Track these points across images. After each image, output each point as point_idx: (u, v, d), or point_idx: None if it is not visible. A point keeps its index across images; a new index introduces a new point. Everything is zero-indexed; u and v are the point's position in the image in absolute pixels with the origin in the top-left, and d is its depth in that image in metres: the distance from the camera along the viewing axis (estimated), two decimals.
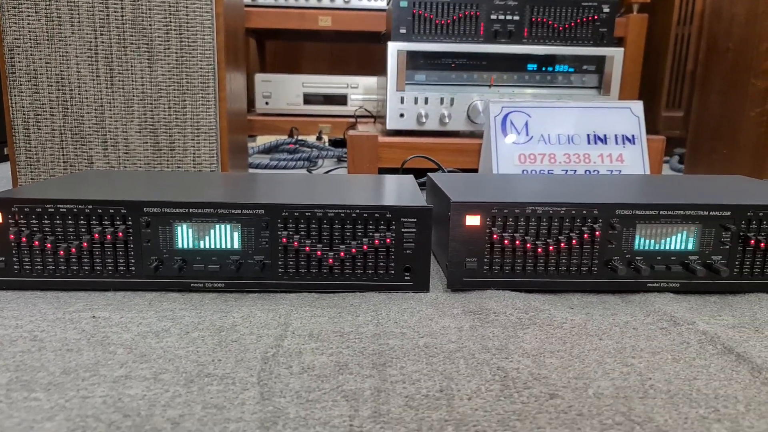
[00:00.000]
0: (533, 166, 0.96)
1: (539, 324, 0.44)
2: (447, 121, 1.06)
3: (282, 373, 0.35)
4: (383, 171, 1.07)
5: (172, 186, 0.55)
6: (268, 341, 0.40)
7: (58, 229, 0.48)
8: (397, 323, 0.44)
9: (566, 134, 0.97)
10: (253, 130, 1.87)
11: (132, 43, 0.92)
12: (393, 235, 0.49)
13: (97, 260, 0.49)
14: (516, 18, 1.04)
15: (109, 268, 0.49)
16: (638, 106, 0.99)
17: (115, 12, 0.91)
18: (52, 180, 0.57)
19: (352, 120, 1.62)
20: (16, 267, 0.48)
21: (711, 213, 0.50)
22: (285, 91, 1.88)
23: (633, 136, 0.98)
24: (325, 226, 0.49)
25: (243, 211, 0.48)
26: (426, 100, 1.05)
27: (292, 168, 1.42)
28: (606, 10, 1.05)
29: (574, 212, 0.50)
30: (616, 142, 0.98)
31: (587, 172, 0.96)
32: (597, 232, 0.50)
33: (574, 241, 0.50)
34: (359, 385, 0.34)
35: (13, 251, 0.48)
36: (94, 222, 0.48)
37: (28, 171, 0.96)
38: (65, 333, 0.40)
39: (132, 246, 0.48)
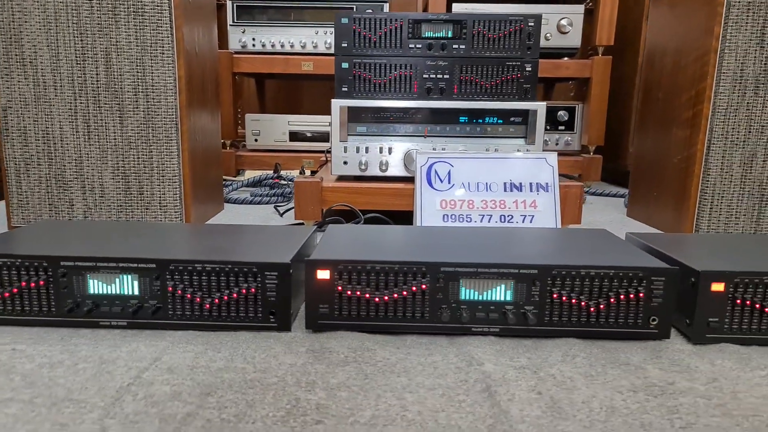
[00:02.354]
0: (453, 211, 1.06)
1: (358, 362, 0.54)
2: (385, 168, 1.16)
3: (126, 399, 0.46)
4: (329, 213, 1.18)
5: (96, 240, 0.67)
6: (133, 373, 0.51)
7: None
8: (245, 359, 0.54)
9: (485, 182, 1.07)
10: (242, 165, 2.00)
11: (106, 104, 1.05)
12: (258, 285, 0.59)
13: (26, 302, 0.60)
14: (446, 77, 1.15)
15: (36, 308, 0.60)
16: (553, 157, 1.08)
17: (91, 77, 1.04)
18: (10, 235, 0.69)
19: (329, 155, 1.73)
20: None
21: (521, 271, 0.59)
22: (272, 129, 2.01)
23: (547, 184, 1.07)
24: (204, 277, 0.60)
25: (139, 265, 0.59)
26: (366, 149, 1.16)
27: (266, 203, 1.53)
28: (528, 68, 1.14)
29: (405, 269, 0.60)
30: (531, 190, 1.07)
31: (502, 218, 1.06)
32: (423, 286, 0.60)
33: (404, 293, 0.60)
34: (178, 410, 0.44)
35: None
36: (23, 272, 0.60)
37: (20, 212, 1.09)
38: None
39: (52, 291, 0.60)
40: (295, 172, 1.97)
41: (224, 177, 1.92)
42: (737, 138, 1.08)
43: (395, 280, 0.60)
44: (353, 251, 0.63)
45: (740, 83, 1.06)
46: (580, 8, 1.91)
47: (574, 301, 0.60)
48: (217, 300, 0.60)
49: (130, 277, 0.60)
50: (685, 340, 0.61)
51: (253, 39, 1.93)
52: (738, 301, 0.59)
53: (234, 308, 0.60)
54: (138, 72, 1.05)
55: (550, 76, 1.93)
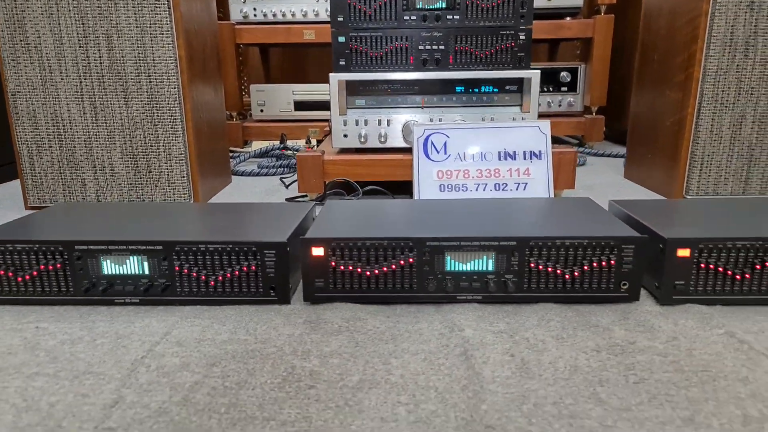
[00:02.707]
0: (449, 181, 1.09)
1: (351, 330, 0.59)
2: (384, 139, 1.19)
3: (140, 370, 0.51)
4: (330, 185, 1.22)
5: (107, 223, 0.72)
6: (146, 346, 0.56)
7: (18, 262, 0.65)
8: (247, 331, 0.59)
9: (479, 152, 1.10)
10: (249, 136, 2.03)
11: (110, 85, 1.09)
12: (258, 263, 0.64)
13: (46, 284, 0.66)
14: (442, 47, 1.16)
15: (55, 289, 0.66)
16: (546, 125, 1.11)
17: (94, 60, 1.08)
18: (30, 219, 0.75)
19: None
20: None
21: (501, 243, 0.64)
22: (277, 99, 2.03)
23: (540, 151, 1.10)
24: (207, 256, 0.64)
25: (147, 247, 0.64)
26: (366, 122, 1.19)
27: (272, 175, 1.57)
28: (522, 37, 1.15)
29: (394, 244, 0.64)
30: (524, 158, 1.10)
31: (496, 186, 1.09)
32: (411, 259, 0.64)
33: (393, 266, 0.64)
34: (186, 379, 0.50)
35: None
36: (41, 256, 0.65)
37: (35, 192, 1.14)
38: (12, 340, 0.58)
39: (69, 273, 0.65)
40: (301, 142, 2.00)
41: (232, 149, 1.96)
42: (727, 101, 1.09)
43: (385, 255, 0.64)
44: (346, 229, 0.67)
45: (730, 46, 1.07)
46: None
47: (550, 269, 0.64)
48: (220, 277, 0.65)
49: (139, 258, 0.65)
50: (654, 301, 0.65)
51: (254, 9, 1.93)
52: (702, 265, 0.62)
53: (237, 284, 0.65)
54: (139, 53, 1.08)
55: (551, 37, 1.91)
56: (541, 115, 1.95)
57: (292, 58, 2.46)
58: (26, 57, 1.08)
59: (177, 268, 0.65)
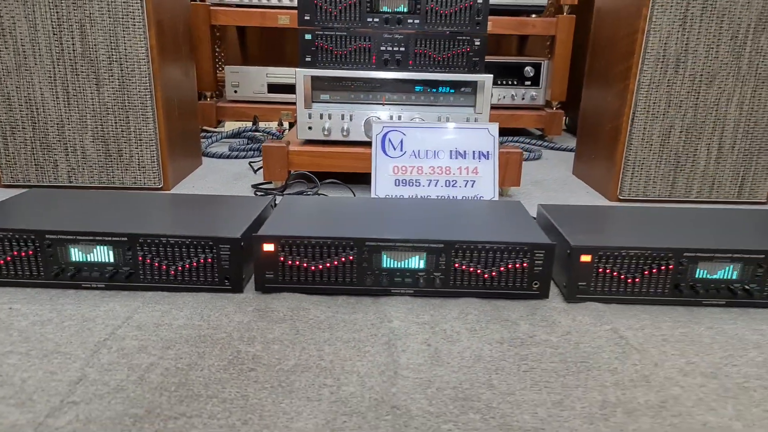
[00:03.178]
0: (404, 176, 1.16)
1: (294, 319, 0.67)
2: (347, 133, 1.26)
3: (102, 352, 0.58)
4: (293, 177, 1.28)
5: (76, 213, 0.77)
6: (109, 330, 0.63)
7: None
8: (201, 317, 0.66)
9: (433, 150, 1.17)
10: (223, 116, 2.06)
11: (83, 71, 1.13)
12: (214, 255, 0.71)
13: (18, 268, 0.71)
14: (402, 49, 1.22)
15: (27, 273, 0.72)
16: (494, 127, 1.18)
17: (67, 47, 1.11)
18: (2, 206, 0.80)
19: None
20: None
21: (431, 245, 0.71)
22: (251, 81, 2.06)
23: (488, 152, 1.17)
24: (168, 248, 0.71)
25: (113, 238, 0.70)
26: (329, 116, 1.25)
27: (242, 158, 1.62)
28: (477, 43, 1.22)
29: (337, 243, 0.71)
30: (474, 158, 1.17)
31: (447, 182, 1.16)
32: (351, 257, 0.71)
33: (335, 262, 0.72)
34: (143, 360, 0.57)
35: None
36: (14, 243, 0.71)
37: (9, 172, 1.18)
38: None
39: (41, 259, 0.71)
40: (274, 124, 2.05)
41: (205, 128, 2.00)
42: (657, 111, 1.18)
43: (329, 252, 0.72)
44: (296, 227, 0.74)
45: (662, 62, 1.15)
46: None
47: (472, 269, 0.72)
48: (180, 267, 0.71)
49: (105, 248, 0.71)
50: (562, 298, 0.74)
51: None
52: (600, 269, 0.71)
53: (195, 274, 0.72)
54: (111, 42, 1.12)
55: (517, 33, 1.98)
56: (505, 107, 2.03)
57: (270, 40, 2.48)
58: (1, 42, 1.11)
59: (140, 258, 0.71)
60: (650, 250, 0.71)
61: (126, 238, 0.70)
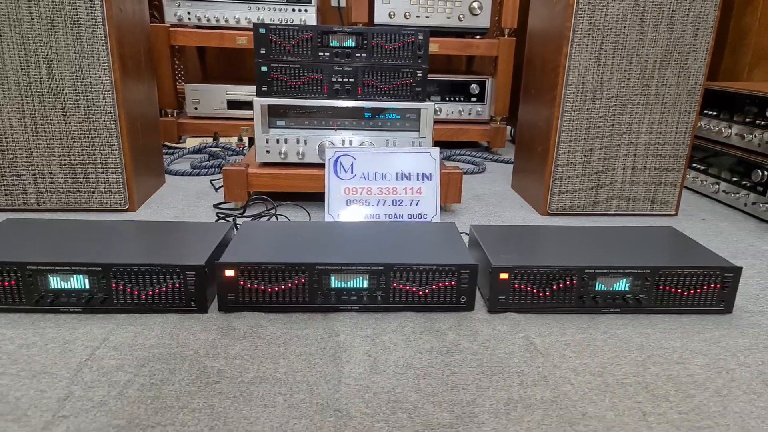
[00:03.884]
0: (355, 197, 1.26)
1: (253, 336, 0.76)
2: (302, 156, 1.35)
3: (84, 371, 0.66)
4: (256, 193, 1.36)
5: (53, 243, 0.84)
6: (88, 351, 0.70)
7: None
8: (171, 336, 0.75)
9: (381, 172, 1.27)
10: (184, 132, 2.12)
11: (50, 103, 1.18)
12: (180, 281, 0.79)
13: (3, 296, 0.78)
14: (351, 80, 1.32)
15: (9, 300, 0.78)
16: (435, 152, 1.29)
17: (35, 81, 1.16)
18: None
19: None
20: None
21: (372, 267, 0.81)
22: (211, 98, 2.12)
23: (430, 174, 1.28)
24: (139, 276, 0.79)
25: (89, 268, 0.78)
26: (285, 140, 1.33)
27: (204, 175, 1.69)
28: (419, 74, 1.33)
29: (291, 267, 0.80)
30: (417, 179, 1.28)
31: (394, 201, 1.27)
32: (303, 279, 0.81)
33: (289, 284, 0.81)
34: (121, 378, 0.65)
35: None
36: None
37: None
38: None
39: (22, 287, 0.78)
40: (234, 139, 2.11)
41: (167, 144, 2.05)
42: (579, 135, 1.32)
43: (283, 276, 0.81)
44: (253, 254, 0.83)
45: (582, 93, 1.28)
46: None
47: (408, 287, 0.82)
48: (150, 292, 0.79)
49: (82, 276, 0.78)
50: (485, 310, 0.85)
51: (188, 13, 2.00)
52: (516, 285, 0.83)
53: (164, 297, 0.80)
54: (77, 76, 1.18)
55: (462, 53, 2.10)
56: (454, 122, 2.15)
57: (229, 57, 2.54)
58: None
59: (114, 284, 0.79)
60: (557, 268, 0.83)
61: (100, 268, 0.78)
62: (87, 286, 0.79)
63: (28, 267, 0.77)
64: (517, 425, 0.60)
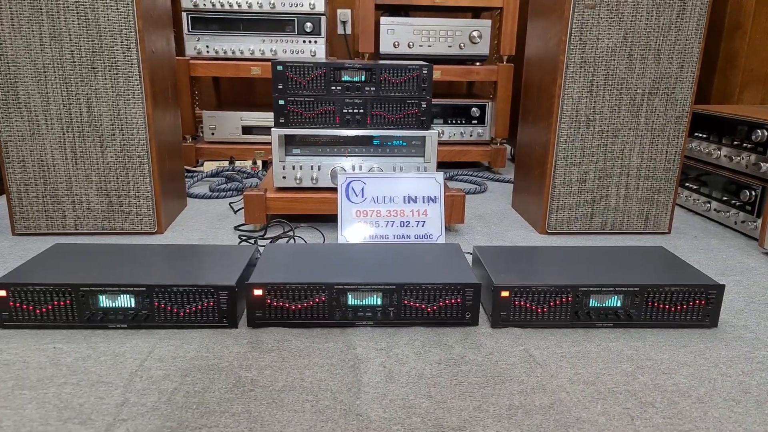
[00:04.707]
0: (365, 219, 1.34)
1: (280, 349, 0.84)
2: (316, 181, 1.43)
3: (136, 380, 0.74)
4: (273, 217, 1.45)
5: (101, 266, 0.93)
6: (137, 362, 0.79)
7: (36, 298, 0.85)
8: (207, 349, 0.83)
9: (389, 196, 1.36)
10: (202, 156, 2.22)
11: (89, 137, 1.28)
12: (214, 299, 0.88)
13: (58, 314, 0.87)
14: (361, 111, 1.41)
15: (65, 317, 0.87)
16: (440, 176, 1.37)
17: (76, 117, 1.26)
18: (37, 261, 0.94)
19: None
20: (14, 318, 0.86)
21: (385, 286, 0.89)
22: (227, 124, 2.22)
23: (435, 197, 1.37)
24: (178, 295, 0.87)
25: (134, 289, 0.86)
26: (300, 167, 1.42)
27: (222, 197, 1.78)
28: (423, 105, 1.42)
29: (312, 287, 0.89)
30: (423, 202, 1.36)
31: (401, 223, 1.35)
32: (323, 297, 0.89)
33: (311, 302, 0.89)
34: (168, 386, 0.73)
35: (12, 310, 0.86)
36: (55, 294, 0.86)
37: (22, 222, 1.32)
38: (39, 357, 0.79)
39: (75, 306, 0.86)
40: (248, 162, 2.21)
41: (186, 167, 2.14)
42: (575, 160, 1.40)
43: (306, 294, 0.89)
44: (279, 275, 0.91)
45: (576, 120, 1.37)
46: (488, 22, 2.17)
47: (418, 305, 0.90)
48: (187, 309, 0.88)
49: (128, 296, 0.87)
50: (488, 325, 0.93)
51: (207, 46, 2.11)
52: (516, 302, 0.91)
53: (199, 314, 0.88)
54: (114, 112, 1.28)
55: (464, 79, 2.20)
56: (456, 143, 2.24)
57: (241, 86, 2.65)
58: (17, 113, 1.25)
59: (156, 303, 0.87)
60: (554, 286, 0.91)
61: (144, 288, 0.86)
62: (132, 305, 0.87)
63: (81, 288, 0.86)
64: (518, 428, 0.68)
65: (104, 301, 0.87)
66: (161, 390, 0.72)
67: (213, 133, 2.22)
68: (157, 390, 0.72)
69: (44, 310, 0.86)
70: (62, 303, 0.86)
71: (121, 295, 0.87)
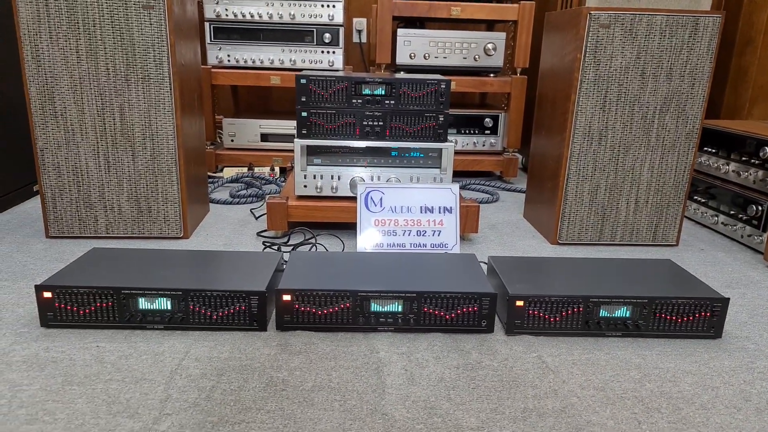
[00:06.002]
0: (383, 228, 1.40)
1: (308, 352, 0.89)
2: (336, 190, 1.49)
3: (176, 377, 0.80)
4: (293, 224, 1.51)
5: (140, 271, 0.99)
6: (176, 361, 0.85)
7: (80, 300, 0.92)
8: (240, 351, 0.89)
9: (407, 206, 1.41)
10: (221, 162, 2.28)
11: (121, 146, 1.34)
12: (245, 304, 0.94)
13: (100, 315, 0.93)
14: (381, 123, 1.47)
15: (107, 318, 0.93)
16: (455, 187, 1.43)
17: (109, 126, 1.33)
18: (78, 265, 1.01)
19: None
20: (58, 318, 0.92)
21: (406, 294, 0.95)
22: (246, 131, 2.29)
23: (451, 207, 1.42)
24: (212, 299, 0.93)
25: (171, 292, 0.93)
26: (321, 176, 1.48)
27: (243, 203, 1.84)
28: (441, 118, 1.47)
29: (337, 293, 0.94)
30: (439, 212, 1.42)
31: (418, 232, 1.41)
32: (347, 304, 0.95)
33: (336, 308, 0.95)
34: (207, 384, 0.79)
35: (57, 311, 0.92)
36: (98, 296, 0.92)
37: (56, 225, 1.39)
38: (84, 355, 0.85)
39: (116, 307, 0.93)
40: (266, 169, 2.27)
41: (208, 173, 2.21)
42: (586, 174, 1.45)
43: (331, 300, 0.95)
44: (306, 281, 0.97)
45: (588, 135, 1.42)
46: (503, 35, 2.23)
47: (437, 312, 0.96)
48: (220, 313, 0.94)
49: (165, 299, 0.93)
50: (503, 332, 0.98)
51: (228, 55, 2.18)
52: (530, 311, 0.96)
53: (232, 317, 0.94)
54: (145, 123, 1.34)
55: (478, 90, 2.25)
56: (469, 153, 2.29)
57: (258, 94, 2.72)
58: (53, 122, 1.32)
59: (191, 306, 0.93)
60: (566, 297, 0.96)
61: (181, 292, 0.92)
62: (169, 308, 0.93)
63: (122, 291, 0.92)
64: (533, 430, 0.73)
65: (143, 303, 0.93)
66: (200, 387, 0.78)
67: (232, 140, 2.28)
68: (197, 387, 0.78)
69: (87, 311, 0.92)
70: (104, 305, 0.92)
71: (159, 298, 0.93)
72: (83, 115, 1.32)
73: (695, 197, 1.78)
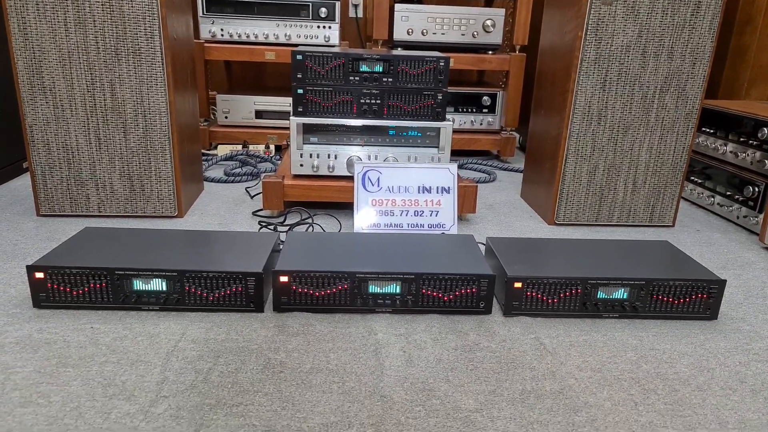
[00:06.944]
0: (381, 208, 1.39)
1: (305, 333, 0.89)
2: (332, 169, 1.48)
3: (172, 359, 0.79)
4: (289, 203, 1.49)
5: (134, 251, 0.97)
6: (172, 342, 0.84)
7: (73, 280, 0.90)
8: (237, 332, 0.88)
9: (404, 186, 1.40)
10: (215, 139, 2.25)
11: (112, 122, 1.32)
12: (242, 284, 0.92)
13: (94, 296, 0.92)
14: (378, 101, 1.44)
15: (101, 299, 0.92)
16: (454, 167, 1.41)
17: (99, 102, 1.30)
18: (71, 244, 0.99)
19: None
20: (51, 299, 0.91)
21: (404, 276, 0.94)
22: (240, 107, 2.25)
23: (449, 187, 1.41)
24: (208, 280, 0.92)
25: (166, 273, 0.91)
26: (318, 155, 1.46)
27: (238, 182, 1.82)
28: (439, 96, 1.45)
29: (335, 275, 0.93)
30: (437, 192, 1.40)
31: (416, 212, 1.39)
32: (345, 285, 0.94)
33: (334, 289, 0.94)
34: (203, 366, 0.78)
35: (50, 292, 0.91)
36: (92, 277, 0.91)
37: (46, 203, 1.36)
38: (78, 337, 0.84)
39: (110, 288, 0.91)
40: (261, 147, 2.24)
41: (203, 151, 2.18)
42: (584, 155, 1.44)
43: (328, 282, 0.94)
44: (303, 262, 0.96)
45: (588, 115, 1.40)
46: (502, 11, 2.19)
47: (435, 293, 0.95)
48: (217, 294, 0.93)
49: (160, 280, 0.92)
50: (501, 314, 0.98)
51: (222, 29, 2.13)
52: (528, 293, 0.96)
53: (228, 299, 0.93)
54: (137, 98, 1.31)
55: (476, 68, 2.22)
56: (466, 131, 2.27)
57: (253, 69, 2.67)
58: (42, 97, 1.29)
59: (187, 288, 0.92)
60: (564, 278, 0.96)
61: (176, 273, 0.91)
62: (164, 289, 0.92)
63: (116, 272, 0.91)
64: (530, 411, 0.73)
65: (138, 284, 0.92)
66: (197, 369, 0.77)
67: (226, 117, 2.25)
68: (194, 369, 0.77)
69: (80, 292, 0.91)
70: (98, 285, 0.91)
71: (154, 279, 0.91)
72: (72, 91, 1.29)
73: (692, 177, 1.78)
